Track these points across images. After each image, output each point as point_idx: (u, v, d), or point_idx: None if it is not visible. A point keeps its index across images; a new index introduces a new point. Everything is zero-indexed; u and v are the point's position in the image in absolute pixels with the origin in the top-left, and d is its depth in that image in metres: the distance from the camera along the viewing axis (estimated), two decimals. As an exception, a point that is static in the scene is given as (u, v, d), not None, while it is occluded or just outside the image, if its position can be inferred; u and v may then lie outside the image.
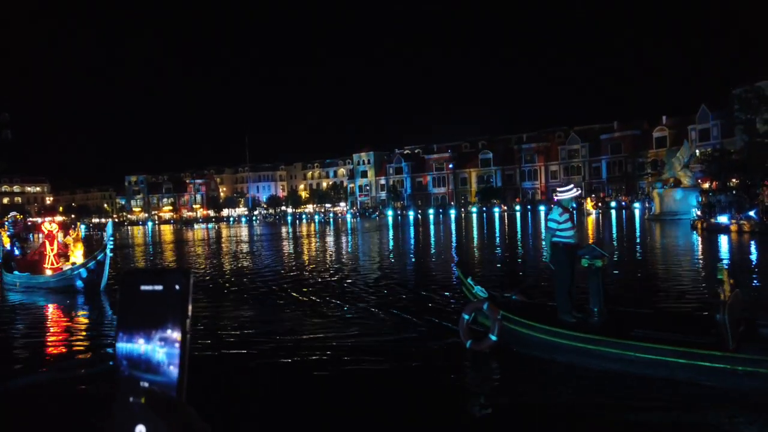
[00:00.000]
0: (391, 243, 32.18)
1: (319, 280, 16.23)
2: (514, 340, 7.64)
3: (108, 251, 15.17)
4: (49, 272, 16.33)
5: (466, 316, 7.91)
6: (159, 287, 0.61)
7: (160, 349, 0.60)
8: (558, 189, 8.44)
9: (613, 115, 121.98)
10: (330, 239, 37.88)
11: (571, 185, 8.51)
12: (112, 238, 15.45)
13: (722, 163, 47.06)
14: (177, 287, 0.61)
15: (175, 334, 0.60)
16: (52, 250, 16.68)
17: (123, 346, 0.61)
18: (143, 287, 0.62)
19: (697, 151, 60.89)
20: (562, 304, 7.72)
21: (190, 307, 0.62)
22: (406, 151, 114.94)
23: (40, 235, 22.30)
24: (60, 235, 17.45)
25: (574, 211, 7.97)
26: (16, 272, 16.95)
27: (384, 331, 9.50)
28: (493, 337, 7.53)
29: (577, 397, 6.32)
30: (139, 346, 0.61)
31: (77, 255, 16.43)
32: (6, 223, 19.68)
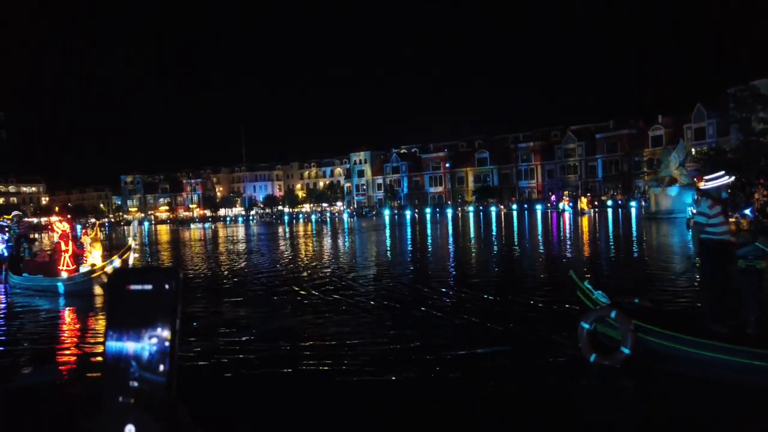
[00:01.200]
0: (410, 241, 32.20)
1: (351, 281, 15.42)
2: (653, 354, 6.58)
3: (132, 251, 14.37)
4: (64, 274, 15.39)
5: (587, 326, 6.88)
6: (148, 287, 0.61)
7: (149, 349, 0.60)
8: (705, 177, 7.29)
9: (609, 114, 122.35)
10: (338, 239, 37.88)
11: (722, 172, 7.22)
12: (137, 237, 14.80)
13: (718, 162, 47.19)
14: (167, 286, 0.61)
15: (165, 333, 0.60)
16: (66, 251, 15.66)
17: (112, 345, 0.61)
18: (132, 287, 0.62)
19: (693, 149, 61.15)
20: (712, 311, 6.67)
21: (179, 307, 0.62)
22: (402, 151, 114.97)
23: (42, 236, 21.61)
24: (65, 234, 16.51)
25: (724, 204, 6.93)
26: (25, 274, 15.94)
27: (474, 343, 8.26)
28: (626, 351, 6.50)
29: (749, 425, 5.40)
30: (128, 345, 0.60)
31: (95, 256, 15.44)
32: (6, 222, 18.70)
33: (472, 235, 35.02)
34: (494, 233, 34.86)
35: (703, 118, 71.61)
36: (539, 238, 29.92)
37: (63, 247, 15.73)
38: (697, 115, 73.05)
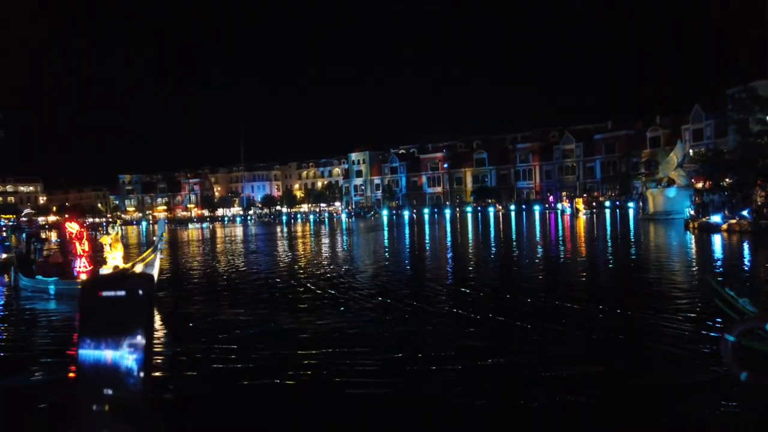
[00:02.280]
0: (450, 241, 32.14)
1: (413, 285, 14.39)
2: None
3: (158, 253, 13.34)
4: (84, 277, 14.29)
5: (732, 338, 5.98)
6: (121, 293, 0.60)
7: (123, 356, 0.58)
8: None
9: (607, 114, 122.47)
10: (339, 239, 37.82)
11: None
12: (163, 238, 13.67)
13: (715, 163, 47.29)
14: (140, 292, 0.60)
15: (139, 340, 0.59)
16: (84, 252, 14.70)
17: (85, 353, 0.59)
18: (105, 293, 0.60)
19: (691, 151, 61.23)
20: None
21: (153, 312, 0.61)
22: (401, 151, 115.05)
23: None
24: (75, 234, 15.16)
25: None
26: (39, 276, 14.81)
27: (587, 359, 7.22)
28: None
29: None
30: (102, 352, 0.58)
31: (116, 257, 14.41)
32: (3, 222, 17.68)
33: (486, 237, 34.96)
34: (508, 235, 34.82)
35: (701, 119, 71.72)
36: (560, 241, 29.90)
37: (78, 248, 14.69)
38: (695, 116, 73.16)
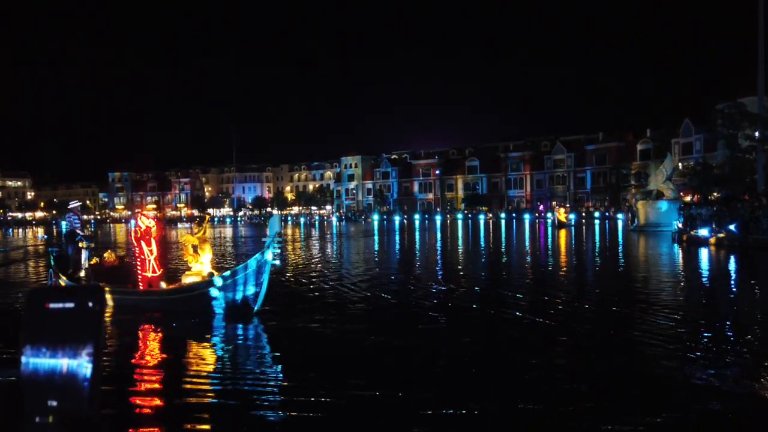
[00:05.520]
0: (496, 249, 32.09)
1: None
2: None
3: (269, 257, 10.36)
4: (163, 285, 11.95)
5: None
6: (70, 305, 0.59)
7: (71, 367, 0.56)
8: None
9: (598, 126, 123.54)
10: (330, 243, 37.74)
11: None
12: (278, 240, 10.41)
13: (704, 177, 47.88)
14: (90, 304, 0.59)
15: (88, 351, 0.57)
16: (151, 252, 12.01)
17: (29, 363, 0.58)
18: (52, 305, 0.59)
19: (680, 164, 61.85)
20: None
21: (103, 324, 0.61)
22: (393, 156, 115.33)
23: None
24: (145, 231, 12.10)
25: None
26: (93, 283, 11.73)
27: None
28: None
29: None
30: (48, 363, 0.57)
31: (204, 261, 11.76)
32: (67, 216, 13.15)
33: (476, 245, 35.02)
34: (495, 245, 34.90)
35: (691, 133, 72.50)
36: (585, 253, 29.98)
37: (145, 249, 11.96)
38: (684, 130, 73.96)
